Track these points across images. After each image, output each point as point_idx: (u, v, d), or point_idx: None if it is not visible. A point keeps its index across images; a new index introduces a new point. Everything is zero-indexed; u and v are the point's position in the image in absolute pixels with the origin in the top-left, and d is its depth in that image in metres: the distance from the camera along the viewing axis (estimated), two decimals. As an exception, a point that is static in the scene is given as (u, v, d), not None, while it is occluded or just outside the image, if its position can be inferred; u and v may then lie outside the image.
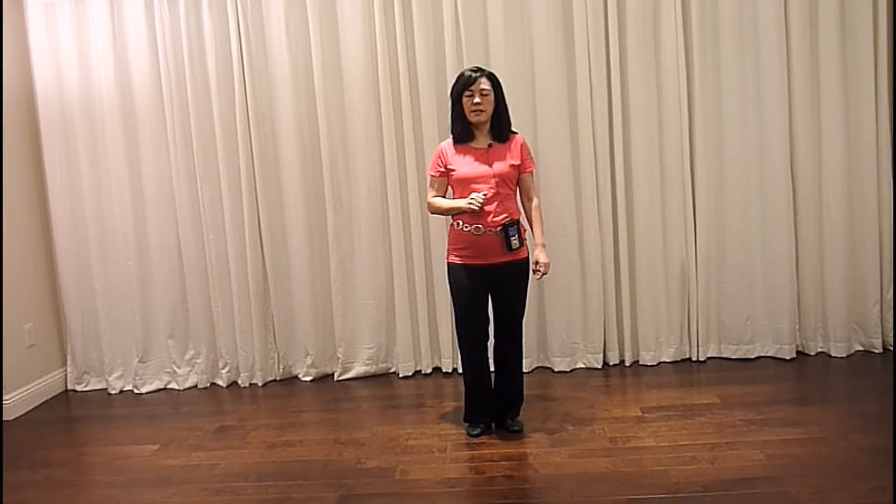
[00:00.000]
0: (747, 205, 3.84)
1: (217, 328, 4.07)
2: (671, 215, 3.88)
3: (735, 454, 2.81)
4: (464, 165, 3.02)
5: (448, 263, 3.09)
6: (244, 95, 3.89)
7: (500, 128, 3.06)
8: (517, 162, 3.06)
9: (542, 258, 3.07)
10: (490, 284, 3.05)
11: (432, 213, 3.18)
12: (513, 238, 2.97)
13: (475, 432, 3.15)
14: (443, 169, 3.07)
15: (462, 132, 3.05)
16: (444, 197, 3.13)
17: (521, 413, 3.24)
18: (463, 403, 3.25)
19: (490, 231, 2.97)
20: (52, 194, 4.04)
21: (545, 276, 3.13)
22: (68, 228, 4.07)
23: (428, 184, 3.16)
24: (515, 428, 3.16)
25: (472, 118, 3.00)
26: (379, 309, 4.02)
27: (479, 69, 3.03)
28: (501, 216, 2.98)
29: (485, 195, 2.92)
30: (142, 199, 4.03)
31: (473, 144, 3.06)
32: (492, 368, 3.24)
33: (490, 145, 3.05)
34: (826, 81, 3.73)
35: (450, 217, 3.11)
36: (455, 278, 3.06)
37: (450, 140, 3.10)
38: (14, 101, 3.94)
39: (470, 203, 2.91)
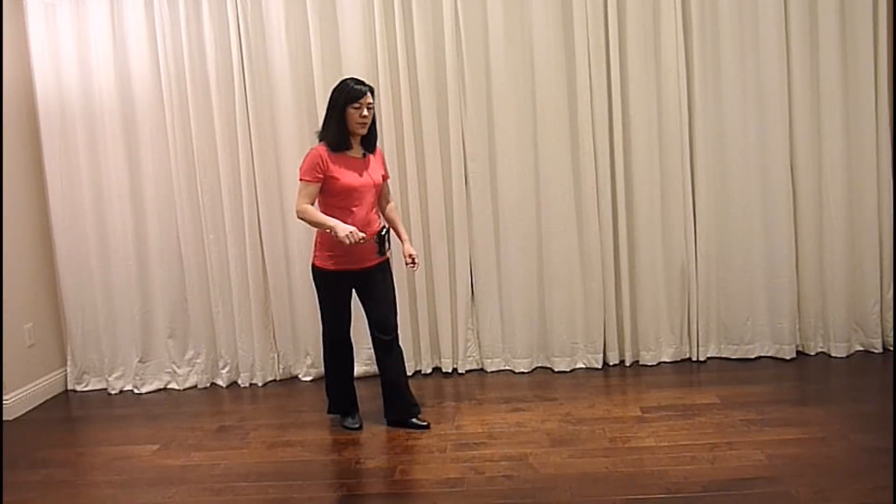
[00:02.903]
0: (747, 204, 3.84)
1: (217, 328, 4.07)
2: (671, 215, 3.87)
3: (735, 454, 2.81)
4: (346, 174, 3.07)
5: (320, 268, 3.15)
6: (244, 95, 3.89)
7: (372, 139, 3.20)
8: (383, 172, 3.28)
9: (413, 251, 3.29)
10: (359, 288, 3.21)
11: (301, 219, 3.11)
12: (387, 243, 3.17)
13: (356, 425, 3.31)
14: (321, 176, 3.05)
15: (342, 141, 3.09)
16: (312, 205, 3.09)
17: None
18: (328, 401, 3.41)
19: (370, 239, 3.08)
20: (52, 194, 4.04)
21: (418, 268, 3.52)
22: (68, 228, 4.06)
23: (299, 188, 3.08)
24: (423, 423, 3.27)
25: (358, 129, 3.09)
26: (379, 309, 4.02)
27: (363, 83, 3.10)
28: (377, 224, 3.15)
29: (363, 238, 2.99)
30: (142, 199, 4.03)
31: (350, 154, 3.12)
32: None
33: (364, 155, 3.16)
34: (826, 81, 3.73)
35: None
36: (330, 284, 3.15)
37: (324, 146, 3.10)
38: (14, 101, 3.93)
39: (348, 236, 2.93)
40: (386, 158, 3.84)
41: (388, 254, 3.24)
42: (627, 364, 3.96)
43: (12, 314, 3.84)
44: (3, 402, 3.74)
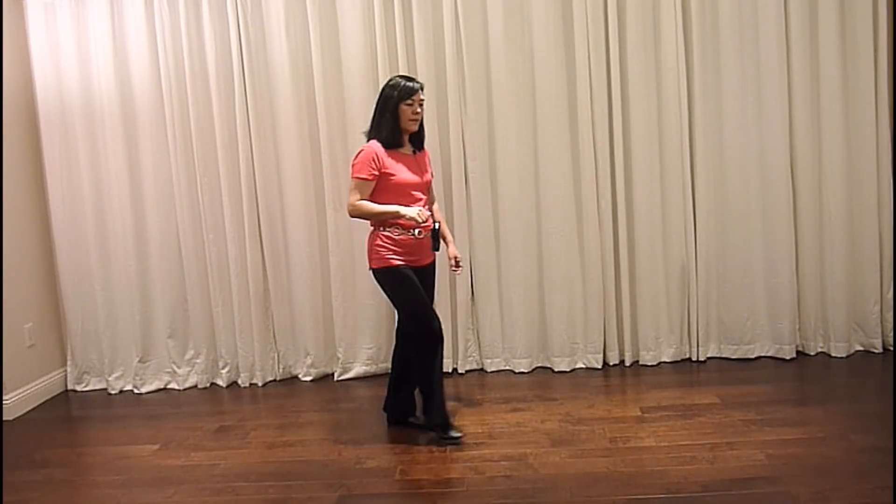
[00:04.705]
0: (747, 205, 3.84)
1: (217, 328, 4.07)
2: (671, 215, 3.87)
3: (735, 454, 2.81)
4: (402, 171, 3.06)
5: (387, 267, 3.03)
6: (244, 95, 3.89)
7: (421, 137, 3.20)
8: (430, 169, 3.26)
9: (458, 254, 3.29)
10: None
11: (357, 216, 3.06)
12: (439, 239, 3.14)
13: (461, 434, 3.10)
14: (377, 173, 3.00)
15: (396, 137, 3.07)
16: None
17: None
18: (436, 413, 3.11)
19: (426, 234, 3.06)
20: (52, 194, 4.04)
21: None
22: (68, 229, 4.06)
23: (352, 186, 3.01)
24: (421, 423, 3.24)
25: (411, 126, 3.09)
26: (379, 309, 4.02)
27: (415, 79, 3.11)
28: (430, 221, 3.08)
29: (430, 214, 3.03)
30: (142, 199, 4.03)
31: (402, 151, 3.11)
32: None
33: (415, 153, 3.17)
34: (826, 81, 3.73)
35: (369, 224, 3.12)
36: (406, 279, 3.04)
37: (377, 143, 3.06)
38: (14, 101, 3.93)
39: (420, 213, 2.94)
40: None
41: (439, 250, 3.18)
42: (627, 364, 3.96)
43: (12, 314, 3.84)
44: (3, 402, 3.74)
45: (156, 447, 3.28)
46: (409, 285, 3.05)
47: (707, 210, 3.85)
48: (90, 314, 4.12)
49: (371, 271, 3.12)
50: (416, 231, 3.03)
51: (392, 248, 3.04)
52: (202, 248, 4.02)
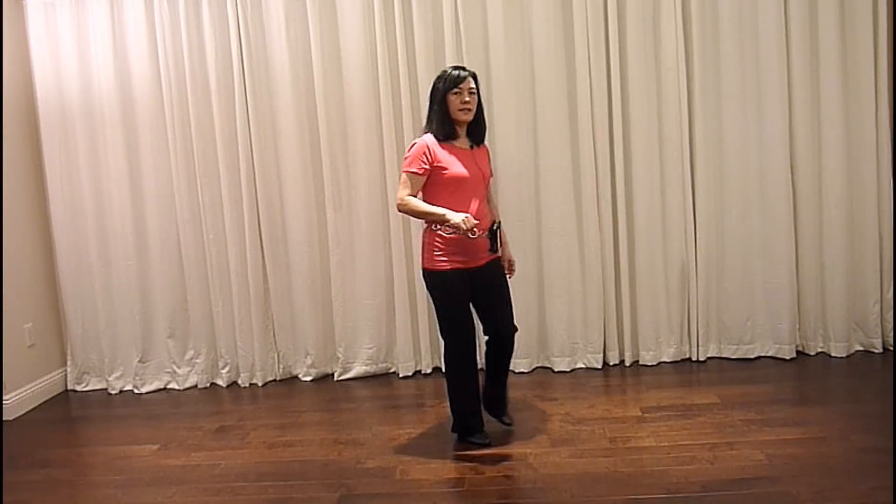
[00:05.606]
0: (747, 205, 3.84)
1: (217, 328, 4.07)
2: (671, 215, 3.88)
3: (735, 454, 2.81)
4: (455, 164, 2.94)
5: (434, 271, 2.94)
6: (244, 95, 3.89)
7: (479, 130, 3.08)
8: (489, 166, 3.14)
9: (513, 257, 3.26)
10: (475, 291, 3.00)
11: (405, 212, 2.96)
12: (499, 240, 3.02)
13: (488, 440, 3.05)
14: (428, 167, 2.89)
15: (449, 130, 2.98)
16: (415, 197, 2.93)
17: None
18: (454, 419, 3.09)
19: (482, 234, 2.92)
20: (52, 194, 4.05)
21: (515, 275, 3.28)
22: (68, 228, 4.07)
23: (402, 180, 2.91)
24: (509, 422, 3.19)
25: (461, 116, 2.97)
26: (379, 309, 4.02)
27: (464, 68, 3.02)
28: (488, 219, 2.99)
29: (478, 225, 2.84)
30: (142, 199, 4.03)
31: (457, 144, 3.01)
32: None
33: (472, 147, 3.06)
34: (826, 81, 3.73)
35: (422, 222, 3.02)
36: (450, 286, 2.93)
37: (430, 137, 2.99)
38: (14, 101, 3.94)
39: (464, 221, 2.77)
40: (388, 157, 3.86)
41: (499, 251, 3.06)
42: (627, 364, 3.96)
43: (12, 314, 3.84)
44: (3, 402, 3.74)
45: (156, 447, 3.28)
46: (452, 295, 2.94)
47: (707, 210, 3.85)
48: (90, 314, 4.13)
49: (422, 270, 3.03)
50: (471, 232, 2.83)
51: (443, 247, 2.91)
52: (202, 248, 4.02)
